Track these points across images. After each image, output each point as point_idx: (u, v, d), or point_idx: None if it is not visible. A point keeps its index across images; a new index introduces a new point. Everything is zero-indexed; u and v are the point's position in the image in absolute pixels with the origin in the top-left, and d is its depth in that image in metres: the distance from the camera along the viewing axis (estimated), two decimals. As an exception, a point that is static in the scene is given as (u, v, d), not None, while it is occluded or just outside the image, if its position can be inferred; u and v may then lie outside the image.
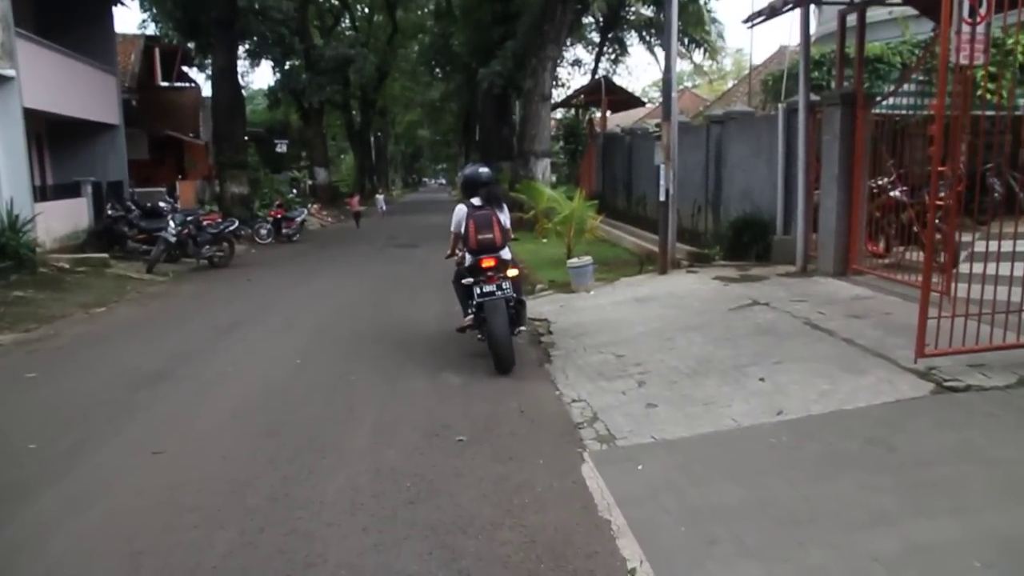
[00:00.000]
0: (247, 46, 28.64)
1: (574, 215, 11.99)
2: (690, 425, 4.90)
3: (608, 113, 23.71)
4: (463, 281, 6.81)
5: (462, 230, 6.83)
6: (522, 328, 6.99)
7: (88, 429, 5.30)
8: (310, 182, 34.46)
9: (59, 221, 14.81)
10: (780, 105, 10.56)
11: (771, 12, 9.21)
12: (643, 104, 29.61)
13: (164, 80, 26.83)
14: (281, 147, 33.45)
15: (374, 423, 5.29)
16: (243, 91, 25.55)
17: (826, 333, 6.55)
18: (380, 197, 27.74)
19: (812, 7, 9.80)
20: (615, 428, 4.98)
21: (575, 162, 22.12)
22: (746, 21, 10.02)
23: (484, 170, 7.24)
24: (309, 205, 27.16)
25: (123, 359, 7.42)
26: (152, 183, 21.17)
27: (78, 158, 17.88)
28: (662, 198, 10.46)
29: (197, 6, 22.43)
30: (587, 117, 25.09)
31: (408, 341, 7.91)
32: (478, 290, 6.59)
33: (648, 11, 31.42)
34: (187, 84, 28.18)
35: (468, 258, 6.85)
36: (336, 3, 40.27)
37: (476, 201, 6.90)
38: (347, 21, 43.28)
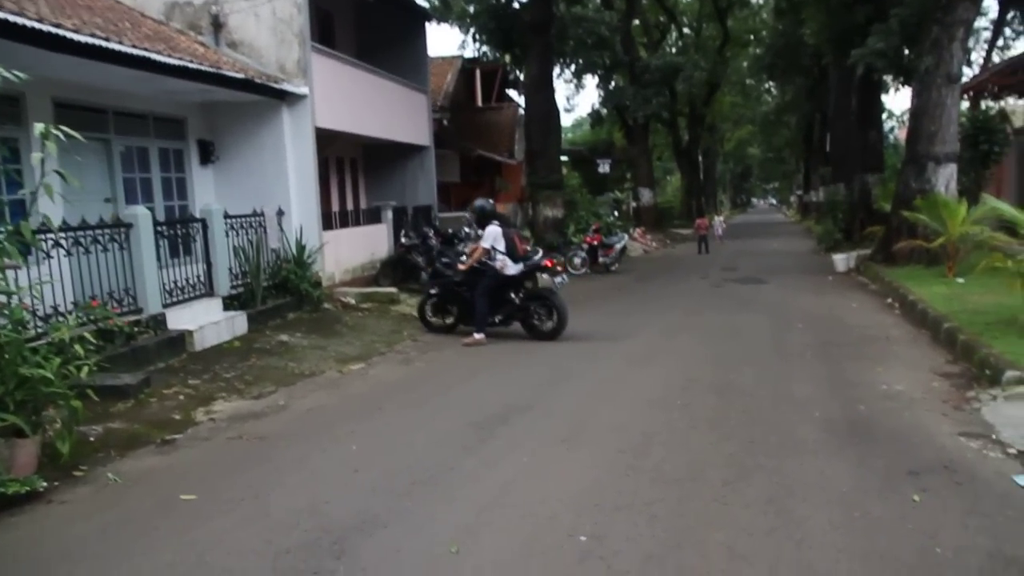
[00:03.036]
0: (566, 60, 26.69)
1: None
2: None
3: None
4: (534, 274, 9.66)
5: (500, 246, 9.25)
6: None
7: None
8: (633, 204, 31.73)
9: (353, 250, 13.33)
10: None
11: None
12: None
13: (484, 102, 25.85)
14: (603, 167, 31.14)
15: None
16: (562, 111, 23.55)
17: None
18: (719, 219, 24.19)
19: None
20: None
21: (985, 169, 16.14)
22: None
23: (491, 201, 10.41)
24: (631, 229, 24.28)
25: (322, 484, 4.59)
26: (466, 208, 19.73)
27: (391, 181, 16.80)
28: None
29: (510, 15, 20.72)
30: (996, 109, 18.67)
31: (790, 487, 4.07)
32: (557, 279, 9.52)
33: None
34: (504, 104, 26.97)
35: (512, 265, 9.28)
36: (663, 19, 37.34)
37: (497, 224, 9.48)
38: (673, 36, 40.16)
